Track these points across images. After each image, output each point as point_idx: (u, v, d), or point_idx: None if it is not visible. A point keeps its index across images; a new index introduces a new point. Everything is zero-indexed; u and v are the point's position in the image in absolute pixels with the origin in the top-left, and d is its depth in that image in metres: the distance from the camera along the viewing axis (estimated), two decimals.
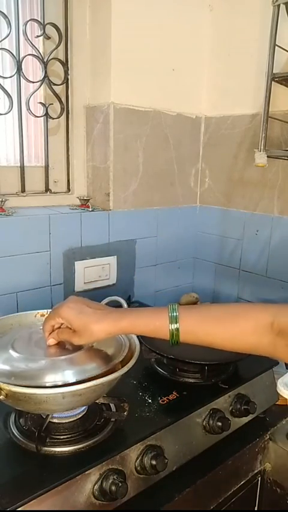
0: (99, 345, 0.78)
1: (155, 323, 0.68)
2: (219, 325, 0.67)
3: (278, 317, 0.63)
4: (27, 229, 1.12)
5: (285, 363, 1.09)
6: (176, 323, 0.66)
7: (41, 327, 0.78)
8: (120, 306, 0.89)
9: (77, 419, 0.78)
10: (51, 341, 0.75)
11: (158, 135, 1.34)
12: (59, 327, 0.75)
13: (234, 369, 1.01)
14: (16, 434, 0.76)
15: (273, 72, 1.09)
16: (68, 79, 1.24)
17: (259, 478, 1.01)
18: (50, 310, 0.93)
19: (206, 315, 0.69)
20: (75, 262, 1.24)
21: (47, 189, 1.28)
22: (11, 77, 1.13)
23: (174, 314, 0.67)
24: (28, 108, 1.17)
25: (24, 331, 0.85)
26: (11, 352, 0.75)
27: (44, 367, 0.71)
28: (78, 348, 0.76)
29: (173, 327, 0.66)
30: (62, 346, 0.77)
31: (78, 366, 0.71)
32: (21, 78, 1.15)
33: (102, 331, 0.69)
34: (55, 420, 0.77)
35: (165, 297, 1.50)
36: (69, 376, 0.69)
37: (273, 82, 1.11)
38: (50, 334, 0.75)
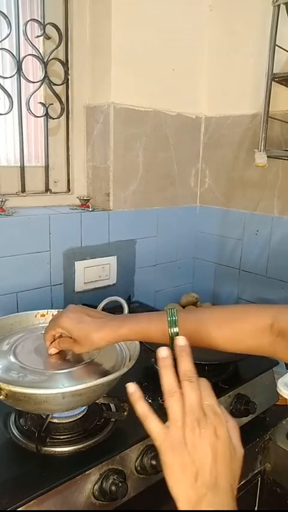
0: (99, 359, 0.78)
1: (154, 329, 0.68)
2: (218, 328, 0.67)
3: (278, 319, 0.63)
4: (27, 229, 1.12)
5: (286, 363, 1.09)
6: (176, 327, 0.67)
7: (42, 332, 0.78)
8: (120, 306, 0.89)
9: (77, 419, 0.78)
10: (53, 350, 0.77)
11: (158, 135, 1.34)
12: (60, 336, 0.76)
13: (234, 368, 1.01)
14: (16, 434, 0.76)
15: (273, 72, 1.09)
16: (68, 79, 1.24)
17: (259, 478, 1.01)
18: (50, 310, 0.94)
19: (205, 318, 0.69)
20: (75, 262, 1.24)
21: (47, 189, 1.28)
22: (11, 77, 1.13)
23: (174, 318, 0.67)
24: (28, 108, 1.17)
25: (26, 335, 0.85)
26: (12, 359, 0.76)
27: (44, 380, 0.71)
28: (79, 359, 0.77)
29: (172, 331, 0.67)
30: (63, 356, 0.78)
31: (77, 381, 0.71)
32: (21, 78, 1.15)
33: (102, 340, 0.70)
34: (55, 420, 0.77)
35: (165, 297, 1.50)
36: None
37: (273, 82, 1.11)
38: (51, 343, 0.76)
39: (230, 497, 0.47)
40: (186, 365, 0.52)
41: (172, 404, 0.50)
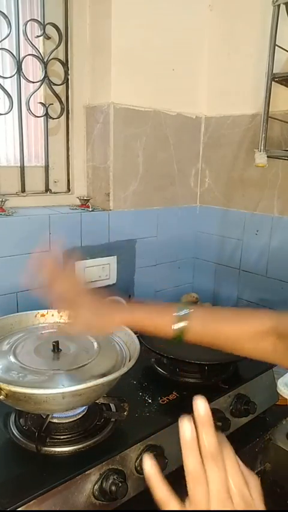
0: (99, 359, 0.78)
1: (163, 318, 0.70)
2: (223, 326, 0.69)
3: (280, 322, 0.65)
4: (27, 229, 1.12)
5: None
6: (184, 321, 0.68)
7: (42, 332, 0.78)
8: None
9: (77, 419, 0.78)
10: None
11: (158, 135, 1.34)
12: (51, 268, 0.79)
13: (234, 368, 1.01)
14: (16, 434, 0.76)
15: (273, 72, 1.09)
16: (68, 79, 1.24)
17: (259, 478, 1.01)
18: (50, 310, 0.94)
19: (212, 316, 0.71)
20: (75, 262, 1.24)
21: (47, 189, 1.28)
22: (11, 77, 1.13)
23: (182, 314, 0.68)
24: (28, 108, 1.17)
25: (26, 335, 0.85)
26: (12, 359, 0.76)
27: (44, 380, 0.71)
28: (79, 359, 0.77)
29: (180, 325, 0.68)
30: (63, 356, 0.77)
31: (77, 381, 0.71)
32: (21, 78, 1.15)
33: (118, 319, 0.73)
34: (55, 420, 0.77)
35: (165, 297, 1.50)
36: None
37: (273, 82, 1.11)
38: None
39: None
40: (209, 439, 0.45)
41: (196, 488, 0.45)
